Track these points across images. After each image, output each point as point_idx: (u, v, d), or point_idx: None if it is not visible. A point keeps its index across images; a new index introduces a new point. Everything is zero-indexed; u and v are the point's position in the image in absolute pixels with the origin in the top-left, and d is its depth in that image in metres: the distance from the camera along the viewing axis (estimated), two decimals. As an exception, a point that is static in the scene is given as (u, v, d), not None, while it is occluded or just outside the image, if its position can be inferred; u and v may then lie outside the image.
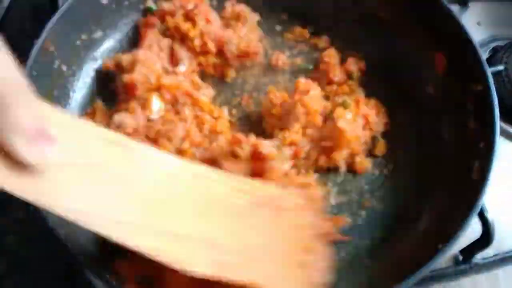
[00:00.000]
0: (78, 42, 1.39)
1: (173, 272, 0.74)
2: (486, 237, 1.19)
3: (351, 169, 1.34)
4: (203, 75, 1.45)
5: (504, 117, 1.43)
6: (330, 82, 1.44)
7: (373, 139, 1.37)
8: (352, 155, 1.32)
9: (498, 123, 1.17)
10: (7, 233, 1.34)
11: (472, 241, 1.24)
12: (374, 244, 1.24)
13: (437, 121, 1.36)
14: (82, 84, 1.42)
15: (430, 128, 1.36)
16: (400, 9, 1.44)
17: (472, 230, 1.12)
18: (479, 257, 1.29)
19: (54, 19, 1.24)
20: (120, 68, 1.37)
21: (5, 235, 1.34)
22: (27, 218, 1.32)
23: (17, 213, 1.36)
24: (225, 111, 1.39)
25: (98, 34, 1.45)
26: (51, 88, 1.30)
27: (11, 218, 1.36)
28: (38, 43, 1.20)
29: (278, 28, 1.59)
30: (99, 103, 1.38)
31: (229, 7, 1.50)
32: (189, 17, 1.42)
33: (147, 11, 1.50)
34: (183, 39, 1.42)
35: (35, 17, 1.65)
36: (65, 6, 1.27)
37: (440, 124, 1.35)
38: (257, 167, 1.06)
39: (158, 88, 1.30)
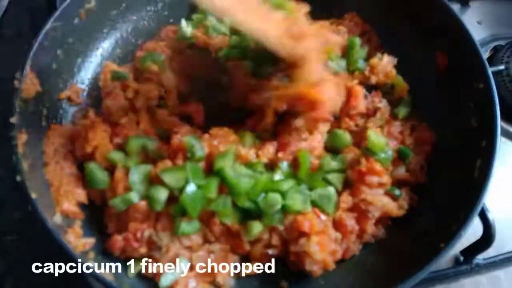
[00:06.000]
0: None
1: None
2: (487, 238, 1.18)
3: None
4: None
5: (505, 117, 1.43)
6: None
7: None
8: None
9: (499, 122, 1.16)
10: (7, 233, 1.34)
11: (473, 242, 1.24)
12: (375, 244, 1.24)
13: (438, 120, 1.35)
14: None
15: (431, 127, 1.36)
16: (401, 8, 1.44)
17: (473, 230, 1.11)
18: (480, 257, 1.28)
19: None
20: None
21: (5, 235, 1.34)
22: (26, 218, 1.32)
23: (16, 213, 1.36)
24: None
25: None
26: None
27: (10, 218, 1.36)
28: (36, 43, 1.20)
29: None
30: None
31: None
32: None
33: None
34: None
35: (32, 19, 1.67)
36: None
37: (441, 122, 1.34)
38: None
39: None
